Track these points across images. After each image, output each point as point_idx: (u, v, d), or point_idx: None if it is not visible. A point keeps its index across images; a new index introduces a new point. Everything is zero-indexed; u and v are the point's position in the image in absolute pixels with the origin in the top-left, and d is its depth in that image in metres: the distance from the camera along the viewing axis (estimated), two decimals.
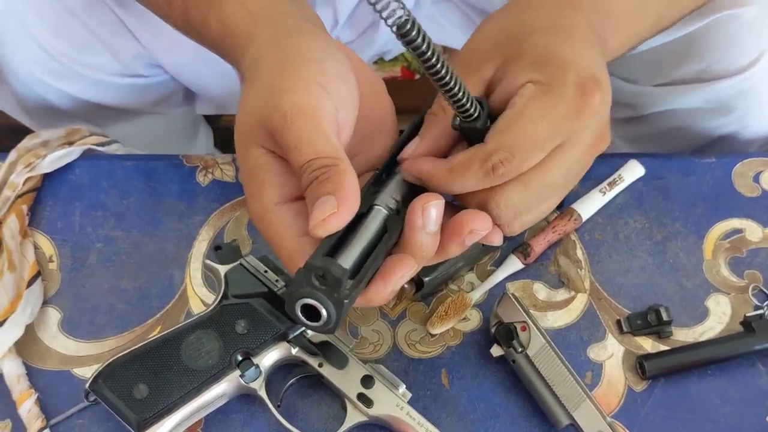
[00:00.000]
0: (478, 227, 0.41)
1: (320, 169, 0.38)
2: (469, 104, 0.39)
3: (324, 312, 0.37)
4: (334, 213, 0.37)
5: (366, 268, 0.39)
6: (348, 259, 0.39)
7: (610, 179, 0.68)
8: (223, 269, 0.58)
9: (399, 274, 0.40)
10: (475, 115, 0.40)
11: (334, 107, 0.41)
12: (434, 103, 0.46)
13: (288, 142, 0.39)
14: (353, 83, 0.43)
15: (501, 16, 0.47)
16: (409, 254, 0.40)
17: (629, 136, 0.83)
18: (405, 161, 0.44)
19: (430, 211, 0.39)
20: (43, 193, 0.68)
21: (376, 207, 0.42)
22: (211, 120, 1.06)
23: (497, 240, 0.43)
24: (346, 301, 0.37)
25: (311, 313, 0.37)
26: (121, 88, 0.78)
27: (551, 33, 0.42)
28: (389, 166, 0.45)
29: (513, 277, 0.64)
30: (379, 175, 0.45)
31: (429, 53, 0.34)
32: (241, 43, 0.47)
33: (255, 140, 0.41)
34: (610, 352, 0.61)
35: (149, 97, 0.82)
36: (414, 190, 0.44)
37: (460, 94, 0.38)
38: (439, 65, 0.35)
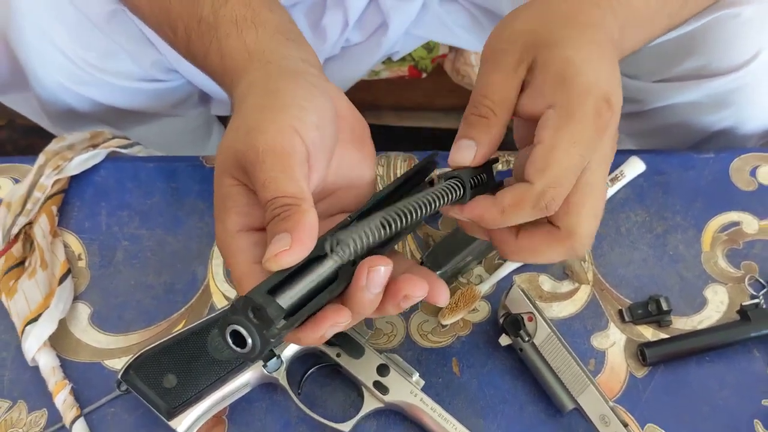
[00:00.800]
0: (413, 293, 0.43)
1: (282, 207, 0.41)
2: (450, 197, 0.44)
3: (250, 342, 0.38)
4: (287, 250, 0.40)
5: (302, 313, 0.40)
6: (288, 298, 0.40)
7: (612, 175, 0.71)
8: None
9: (330, 322, 0.41)
10: (460, 194, 0.45)
11: (305, 150, 0.44)
12: (479, 105, 0.46)
13: (257, 178, 0.42)
14: (331, 129, 0.46)
15: (527, 15, 0.48)
16: (347, 307, 0.42)
17: (632, 131, 0.86)
18: (464, 209, 0.46)
19: (374, 274, 0.41)
20: (70, 195, 0.71)
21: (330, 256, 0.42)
22: (224, 120, 1.09)
23: (442, 301, 0.46)
24: (272, 339, 0.38)
25: (239, 339, 0.39)
26: (140, 92, 0.81)
27: (579, 47, 0.45)
28: (360, 216, 0.45)
29: (519, 270, 0.67)
30: (348, 222, 0.45)
31: (408, 225, 0.39)
32: (236, 79, 0.50)
33: (229, 171, 0.44)
34: (613, 341, 0.64)
35: (167, 101, 0.85)
36: (374, 246, 0.43)
37: (441, 201, 0.43)
38: (421, 213, 0.41)
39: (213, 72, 0.53)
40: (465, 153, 0.46)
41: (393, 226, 0.42)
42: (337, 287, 0.42)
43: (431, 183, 0.50)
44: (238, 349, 0.39)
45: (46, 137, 0.75)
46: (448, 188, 0.45)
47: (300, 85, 0.47)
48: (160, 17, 0.57)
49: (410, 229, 0.47)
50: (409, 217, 0.43)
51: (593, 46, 0.45)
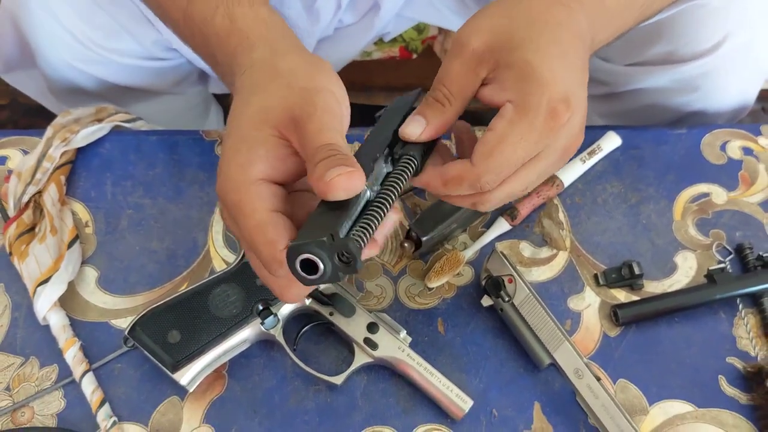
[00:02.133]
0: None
1: (338, 152, 0.44)
2: (409, 177, 0.50)
3: (322, 267, 0.43)
4: (353, 171, 0.43)
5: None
6: (344, 230, 0.44)
7: (590, 149, 0.75)
8: None
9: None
10: (415, 170, 0.50)
11: (344, 117, 0.49)
12: (437, 91, 0.51)
13: (313, 127, 0.45)
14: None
15: (495, 12, 0.52)
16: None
17: (607, 113, 0.90)
18: (417, 179, 0.52)
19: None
20: (77, 165, 0.74)
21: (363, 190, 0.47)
22: (221, 98, 1.13)
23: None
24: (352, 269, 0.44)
25: (310, 266, 0.43)
26: (142, 70, 0.84)
27: (537, 47, 0.48)
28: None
29: (501, 237, 0.72)
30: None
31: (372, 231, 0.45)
32: (253, 42, 0.52)
33: (273, 122, 0.47)
34: (588, 303, 0.69)
35: (167, 79, 0.89)
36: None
37: (401, 187, 0.48)
38: (389, 205, 0.47)
39: (212, 36, 0.55)
40: (414, 127, 0.51)
41: (389, 204, 0.48)
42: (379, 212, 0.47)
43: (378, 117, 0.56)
44: (307, 276, 0.43)
45: (47, 117, 0.78)
46: (408, 166, 0.50)
47: (327, 65, 0.51)
48: None
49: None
50: (397, 194, 0.48)
51: (555, 47, 0.49)
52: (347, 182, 0.43)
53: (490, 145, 0.48)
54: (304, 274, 0.43)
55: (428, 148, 0.53)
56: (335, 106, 0.48)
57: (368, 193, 0.47)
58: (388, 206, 0.47)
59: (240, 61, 0.53)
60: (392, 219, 0.48)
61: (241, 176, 0.46)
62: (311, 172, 0.44)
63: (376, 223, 0.46)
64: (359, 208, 0.46)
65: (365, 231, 0.45)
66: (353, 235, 0.44)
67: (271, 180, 0.47)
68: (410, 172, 0.50)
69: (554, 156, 0.50)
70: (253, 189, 0.46)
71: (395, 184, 0.49)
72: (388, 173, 0.50)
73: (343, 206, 0.45)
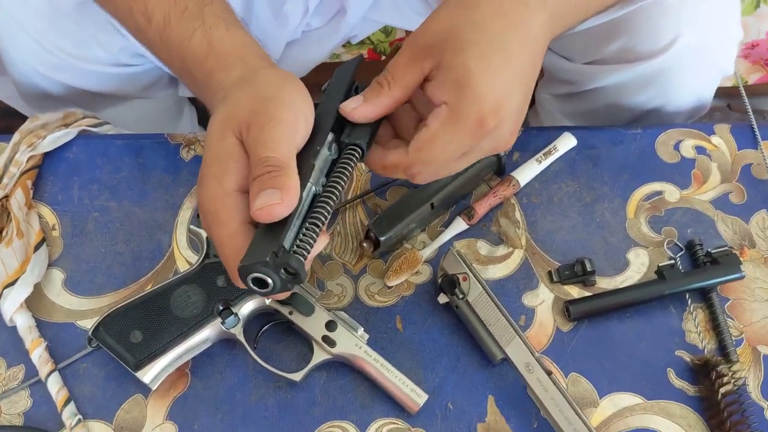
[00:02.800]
0: None
1: (273, 167, 0.47)
2: (354, 167, 0.53)
3: (270, 282, 0.46)
4: (279, 204, 0.46)
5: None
6: (289, 240, 0.47)
7: (546, 149, 0.77)
8: (205, 233, 0.67)
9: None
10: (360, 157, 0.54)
11: (304, 134, 0.51)
12: (382, 75, 0.54)
13: (259, 137, 0.48)
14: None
15: (448, 12, 0.53)
16: None
17: (570, 112, 0.92)
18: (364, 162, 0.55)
19: None
20: (44, 170, 0.76)
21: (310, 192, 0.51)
22: (195, 100, 1.14)
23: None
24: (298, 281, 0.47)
25: (261, 282, 0.47)
26: (111, 76, 0.85)
27: (480, 56, 0.50)
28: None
29: (459, 236, 0.74)
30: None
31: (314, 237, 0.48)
32: (230, 62, 0.56)
33: (234, 129, 0.50)
34: (542, 299, 0.71)
35: (136, 84, 0.90)
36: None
37: (345, 180, 0.52)
38: (333, 204, 0.50)
39: (192, 54, 0.58)
40: (351, 103, 0.53)
41: (336, 199, 0.50)
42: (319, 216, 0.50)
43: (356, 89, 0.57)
44: (257, 289, 0.47)
45: (23, 119, 0.79)
46: (353, 156, 0.53)
47: (298, 83, 0.53)
48: (133, 5, 0.61)
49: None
50: (343, 186, 0.52)
51: (499, 55, 0.51)
52: (270, 213, 0.46)
53: (423, 141, 0.52)
54: (257, 289, 0.47)
55: (375, 131, 0.55)
56: (291, 118, 0.50)
57: (314, 188, 0.50)
58: (333, 203, 0.50)
59: (218, 78, 0.56)
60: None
61: (217, 188, 0.49)
62: (249, 186, 0.48)
63: (320, 225, 0.49)
64: (304, 211, 0.49)
65: (308, 240, 0.48)
66: (297, 247, 0.47)
67: (243, 190, 0.50)
68: (355, 162, 0.53)
69: (480, 154, 0.54)
70: (228, 200, 0.49)
71: (340, 179, 0.51)
72: (334, 160, 0.53)
73: (285, 219, 0.47)
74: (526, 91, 0.53)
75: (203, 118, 1.16)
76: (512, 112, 0.52)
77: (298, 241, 0.47)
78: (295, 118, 0.50)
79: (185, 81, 0.61)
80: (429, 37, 0.52)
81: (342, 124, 0.54)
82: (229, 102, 0.52)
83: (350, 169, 0.52)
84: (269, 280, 0.46)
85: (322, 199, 0.50)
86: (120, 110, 0.94)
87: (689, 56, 0.78)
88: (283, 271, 0.46)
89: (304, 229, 0.48)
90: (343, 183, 0.51)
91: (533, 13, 0.53)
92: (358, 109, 0.53)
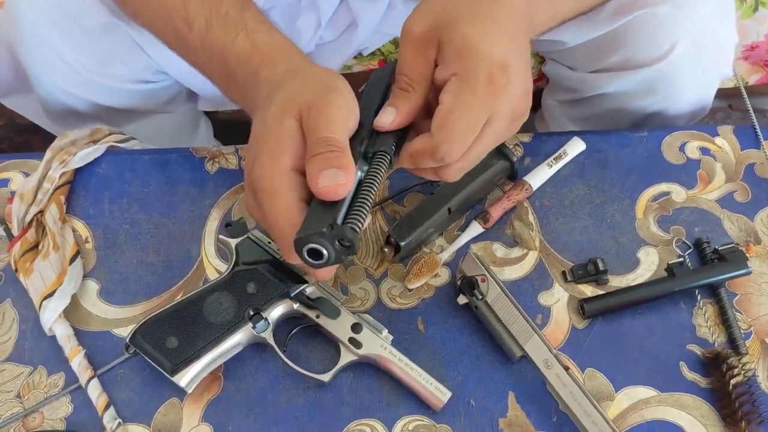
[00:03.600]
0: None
1: (335, 146, 0.51)
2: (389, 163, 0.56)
3: (325, 253, 0.50)
4: (344, 184, 0.50)
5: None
6: (341, 217, 0.52)
7: (556, 154, 0.80)
8: (233, 242, 0.70)
9: None
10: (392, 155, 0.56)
11: (354, 124, 0.55)
12: (400, 80, 0.56)
13: (322, 119, 0.52)
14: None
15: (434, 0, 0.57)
16: None
17: (576, 117, 0.96)
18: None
19: None
20: (76, 185, 0.79)
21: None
22: (210, 114, 1.17)
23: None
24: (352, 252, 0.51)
25: (316, 253, 0.50)
26: (133, 93, 0.89)
27: (474, 23, 0.53)
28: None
29: (475, 239, 0.77)
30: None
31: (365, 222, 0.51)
32: (275, 60, 0.59)
33: (294, 112, 0.54)
34: (557, 298, 0.74)
35: (157, 99, 0.93)
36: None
37: (385, 171, 0.55)
38: (377, 187, 0.54)
39: (236, 54, 0.61)
40: (386, 117, 0.56)
41: (379, 182, 0.55)
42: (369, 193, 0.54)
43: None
44: (312, 260, 0.50)
45: (42, 135, 0.82)
46: (383, 163, 0.56)
47: (343, 78, 0.58)
48: (173, 14, 0.64)
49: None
50: (383, 175, 0.55)
51: (490, 22, 0.53)
52: (336, 191, 0.50)
53: (442, 118, 0.53)
54: (311, 260, 0.50)
55: (402, 138, 0.58)
56: (345, 106, 0.54)
57: (359, 173, 0.54)
58: (377, 187, 0.54)
59: (264, 74, 0.59)
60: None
61: (275, 165, 0.53)
62: (307, 162, 0.51)
63: (368, 206, 0.52)
64: (352, 192, 0.53)
65: (359, 216, 0.51)
66: (349, 221, 0.51)
67: (299, 169, 0.53)
68: (386, 164, 0.56)
69: (504, 120, 0.54)
70: (285, 177, 0.53)
71: (379, 169, 0.55)
72: (374, 153, 0.56)
73: None
74: (524, 56, 0.55)
75: (218, 131, 1.19)
76: (518, 70, 0.53)
77: (349, 217, 0.51)
78: (349, 107, 0.54)
79: (223, 84, 0.64)
80: (421, 25, 0.55)
81: (370, 132, 0.57)
82: (287, 89, 0.55)
83: (383, 171, 0.55)
84: (324, 251, 0.50)
85: (366, 181, 0.54)
86: (141, 125, 0.97)
87: (687, 62, 0.82)
88: (337, 243, 0.50)
89: (352, 212, 0.52)
90: (383, 172, 0.54)
91: None
92: (396, 120, 0.55)
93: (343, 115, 0.53)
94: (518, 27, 0.56)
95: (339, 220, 0.51)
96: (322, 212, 0.51)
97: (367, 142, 0.56)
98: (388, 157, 0.56)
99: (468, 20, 0.53)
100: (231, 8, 0.62)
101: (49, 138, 0.81)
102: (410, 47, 0.55)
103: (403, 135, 0.58)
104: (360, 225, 0.51)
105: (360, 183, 0.54)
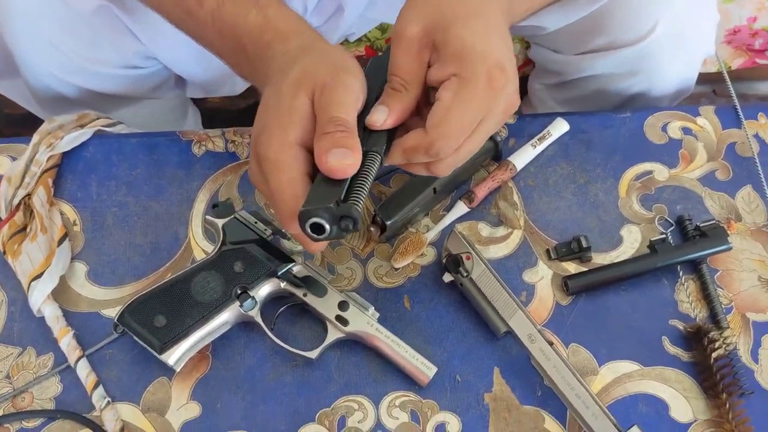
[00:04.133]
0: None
1: (345, 127, 0.52)
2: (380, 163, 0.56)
3: (328, 228, 0.51)
4: (351, 164, 0.51)
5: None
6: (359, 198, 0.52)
7: (540, 135, 0.81)
8: (220, 222, 0.71)
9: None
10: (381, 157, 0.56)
11: (362, 104, 0.56)
12: (392, 80, 0.57)
13: (333, 98, 0.53)
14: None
15: (423, 1, 0.57)
16: None
17: (562, 100, 0.96)
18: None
19: None
20: (63, 169, 0.79)
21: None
22: (198, 102, 1.18)
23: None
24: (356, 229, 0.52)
25: (318, 228, 0.51)
26: (122, 78, 0.89)
27: (468, 25, 0.54)
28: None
29: (461, 219, 0.77)
30: None
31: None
32: (288, 34, 0.60)
33: (307, 89, 0.54)
34: (541, 275, 0.75)
35: (146, 85, 0.94)
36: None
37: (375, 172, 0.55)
38: (376, 168, 0.55)
39: (249, 30, 0.61)
40: (379, 115, 0.56)
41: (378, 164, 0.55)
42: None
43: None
44: (313, 234, 0.51)
45: (31, 126, 0.82)
46: (373, 164, 0.56)
47: (350, 54, 0.58)
48: None
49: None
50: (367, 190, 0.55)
51: (481, 21, 0.55)
52: (344, 170, 0.51)
53: (439, 115, 0.54)
54: (313, 234, 0.51)
55: (391, 137, 0.58)
56: (356, 86, 0.55)
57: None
58: (376, 167, 0.55)
59: (276, 48, 0.60)
60: None
61: (283, 137, 0.54)
62: (317, 139, 0.52)
63: (368, 184, 0.54)
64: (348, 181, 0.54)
65: (359, 195, 0.52)
66: (351, 200, 0.52)
67: (305, 145, 0.54)
68: (376, 166, 0.56)
69: (496, 118, 0.56)
70: (292, 150, 0.53)
71: (371, 168, 0.55)
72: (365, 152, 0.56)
73: None
74: (512, 49, 0.57)
75: (206, 119, 1.19)
76: (512, 69, 0.55)
77: (352, 195, 0.52)
78: (360, 89, 0.55)
79: (233, 59, 0.64)
80: (414, 28, 0.56)
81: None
82: (302, 64, 0.56)
83: (374, 171, 0.55)
84: (327, 226, 0.51)
85: (366, 163, 0.54)
86: (129, 111, 0.97)
87: (669, 41, 0.83)
88: (340, 220, 0.51)
89: (353, 192, 0.53)
90: (373, 172, 0.55)
91: None
92: (388, 120, 0.56)
93: (353, 96, 0.54)
94: (503, 23, 0.57)
95: (343, 197, 0.52)
96: (327, 188, 0.52)
97: (363, 134, 0.57)
98: (380, 158, 0.56)
99: (461, 20, 0.54)
100: None
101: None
102: (403, 49, 0.56)
103: (392, 132, 0.58)
104: (360, 204, 0.52)
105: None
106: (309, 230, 0.51)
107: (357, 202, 0.52)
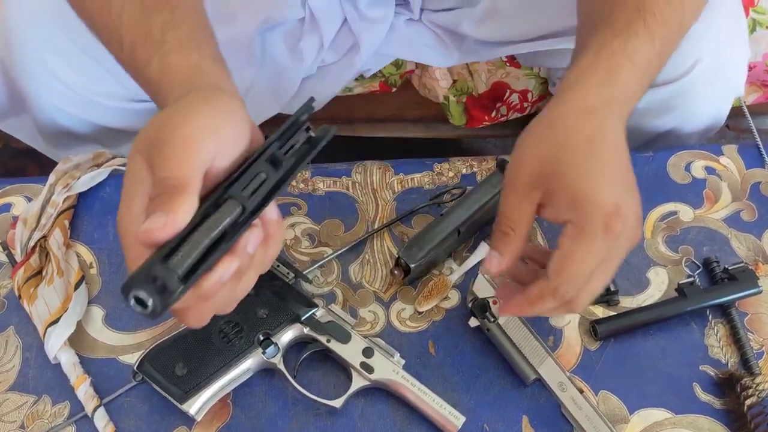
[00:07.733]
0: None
1: (171, 187, 0.47)
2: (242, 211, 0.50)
3: (150, 303, 0.44)
4: (160, 228, 0.45)
5: (197, 276, 0.46)
6: (185, 262, 0.46)
7: None
8: None
9: (221, 270, 0.48)
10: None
11: (214, 150, 0.50)
12: (502, 222, 0.58)
13: (160, 156, 0.48)
14: (246, 136, 0.53)
15: (534, 143, 0.57)
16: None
17: None
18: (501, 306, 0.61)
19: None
20: (79, 209, 0.78)
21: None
22: None
23: None
24: (171, 301, 0.45)
25: (141, 301, 0.45)
26: (128, 112, 0.87)
27: (580, 172, 0.54)
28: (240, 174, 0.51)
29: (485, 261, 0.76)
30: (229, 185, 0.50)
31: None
32: (179, 85, 0.56)
33: (142, 150, 0.50)
34: (568, 319, 0.73)
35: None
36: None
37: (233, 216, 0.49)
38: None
39: (149, 80, 0.59)
40: (494, 261, 0.58)
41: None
42: (227, 244, 0.48)
43: (308, 129, 0.55)
44: (139, 309, 0.45)
45: (35, 159, 0.81)
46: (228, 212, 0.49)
47: (231, 97, 0.54)
48: (110, 33, 0.63)
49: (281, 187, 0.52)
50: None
51: (594, 164, 0.55)
52: (151, 238, 0.46)
53: (560, 262, 0.55)
54: (139, 309, 0.45)
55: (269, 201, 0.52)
56: (197, 136, 0.49)
57: (239, 208, 0.49)
58: (226, 219, 0.49)
59: (169, 101, 0.56)
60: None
61: (126, 211, 0.49)
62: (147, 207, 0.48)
63: (205, 241, 0.47)
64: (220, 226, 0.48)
65: (186, 252, 0.46)
66: (181, 263, 0.45)
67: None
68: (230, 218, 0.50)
69: (620, 254, 0.56)
70: (135, 224, 0.48)
71: (224, 215, 0.49)
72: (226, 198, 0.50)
73: (180, 236, 0.46)
74: (631, 184, 0.57)
75: None
76: (630, 206, 0.55)
77: (178, 252, 0.46)
78: (201, 137, 0.49)
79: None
80: (527, 173, 0.57)
81: (275, 162, 0.51)
82: (148, 123, 0.51)
83: (223, 221, 0.49)
84: (149, 301, 0.44)
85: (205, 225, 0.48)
86: None
87: (707, 78, 0.81)
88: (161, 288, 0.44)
89: (187, 242, 0.46)
90: (238, 207, 0.49)
91: (606, 117, 0.57)
92: (503, 264, 0.58)
93: (186, 148, 0.48)
94: (618, 154, 0.57)
95: (180, 263, 0.45)
96: (155, 256, 0.46)
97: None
98: (239, 207, 0.49)
99: (573, 168, 0.55)
100: (156, 27, 0.59)
101: (45, 162, 0.80)
102: (515, 193, 0.57)
103: (278, 186, 0.52)
104: (190, 268, 0.46)
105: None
106: (133, 305, 0.45)
107: (180, 264, 0.45)
